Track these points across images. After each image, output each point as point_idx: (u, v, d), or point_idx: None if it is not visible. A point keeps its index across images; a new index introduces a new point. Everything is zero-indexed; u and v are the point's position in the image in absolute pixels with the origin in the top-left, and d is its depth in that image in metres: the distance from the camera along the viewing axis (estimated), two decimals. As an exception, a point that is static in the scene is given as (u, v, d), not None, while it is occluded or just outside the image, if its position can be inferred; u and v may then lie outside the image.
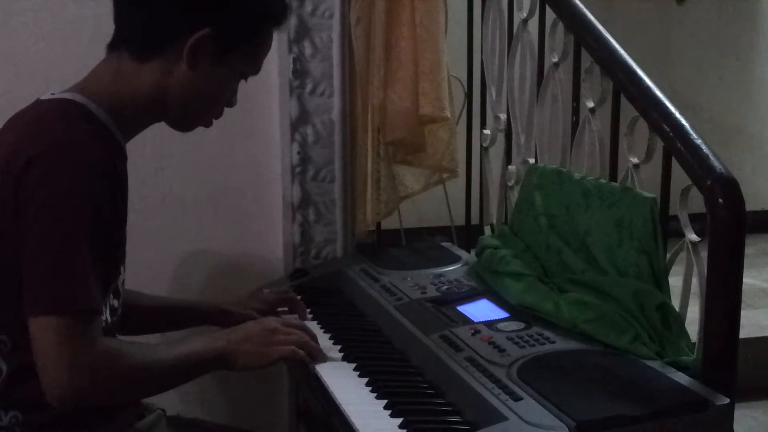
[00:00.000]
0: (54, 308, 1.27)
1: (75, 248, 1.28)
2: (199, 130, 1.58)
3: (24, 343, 1.33)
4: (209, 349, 1.45)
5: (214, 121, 1.55)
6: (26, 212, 1.28)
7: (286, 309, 1.86)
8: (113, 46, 1.46)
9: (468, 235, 2.38)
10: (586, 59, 1.79)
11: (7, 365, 1.36)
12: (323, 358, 1.54)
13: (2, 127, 1.44)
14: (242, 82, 1.53)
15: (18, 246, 1.29)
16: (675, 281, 1.54)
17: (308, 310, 1.85)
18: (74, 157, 1.31)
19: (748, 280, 3.06)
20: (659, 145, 1.55)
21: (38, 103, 1.43)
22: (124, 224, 1.46)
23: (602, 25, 1.76)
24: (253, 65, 1.51)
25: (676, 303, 1.53)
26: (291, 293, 1.92)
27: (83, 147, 1.32)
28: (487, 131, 2.28)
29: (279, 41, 2.08)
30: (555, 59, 1.89)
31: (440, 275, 1.92)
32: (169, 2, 1.41)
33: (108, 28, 1.47)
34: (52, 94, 1.42)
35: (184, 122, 1.53)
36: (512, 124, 2.12)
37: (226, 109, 1.55)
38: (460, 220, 2.44)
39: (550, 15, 1.92)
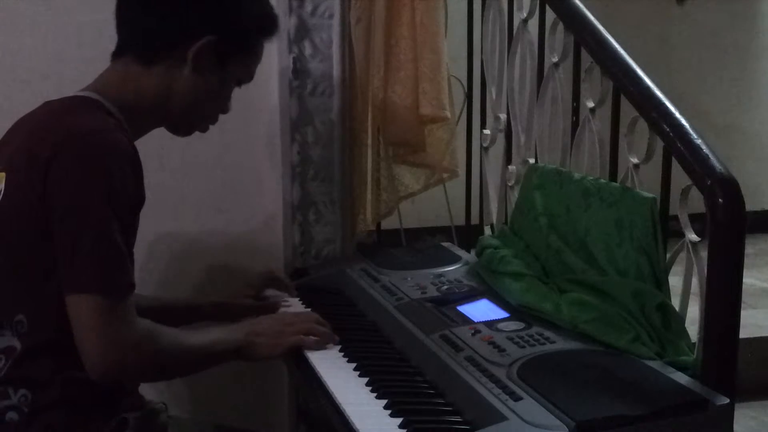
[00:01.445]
0: (97, 287, 1.33)
1: (111, 228, 1.34)
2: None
3: (40, 324, 1.38)
4: (230, 340, 1.54)
5: (210, 127, 1.62)
6: (58, 195, 1.33)
7: (276, 291, 1.94)
8: (118, 53, 1.52)
9: (468, 235, 2.38)
10: (586, 59, 1.79)
11: (22, 344, 1.39)
12: (331, 340, 1.61)
13: (10, 128, 1.49)
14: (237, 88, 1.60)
15: (44, 228, 1.34)
16: (675, 281, 1.54)
17: (308, 311, 1.85)
18: (102, 141, 1.37)
19: (748, 280, 3.07)
20: (659, 145, 1.55)
21: (49, 103, 1.48)
22: (140, 208, 1.49)
23: (602, 25, 1.76)
24: (247, 72, 1.59)
25: (676, 303, 1.53)
26: (275, 273, 1.99)
27: (110, 134, 1.39)
28: (487, 131, 2.28)
29: (279, 41, 2.08)
30: (555, 59, 1.89)
31: (440, 275, 1.92)
32: (176, 10, 1.48)
33: (110, 33, 1.49)
34: (60, 96, 1.48)
35: (183, 126, 1.59)
36: (512, 124, 2.12)
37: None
38: (460, 220, 2.44)
39: (550, 15, 1.92)
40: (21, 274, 1.39)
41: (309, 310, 1.83)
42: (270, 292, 1.96)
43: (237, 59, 1.54)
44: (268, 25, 1.58)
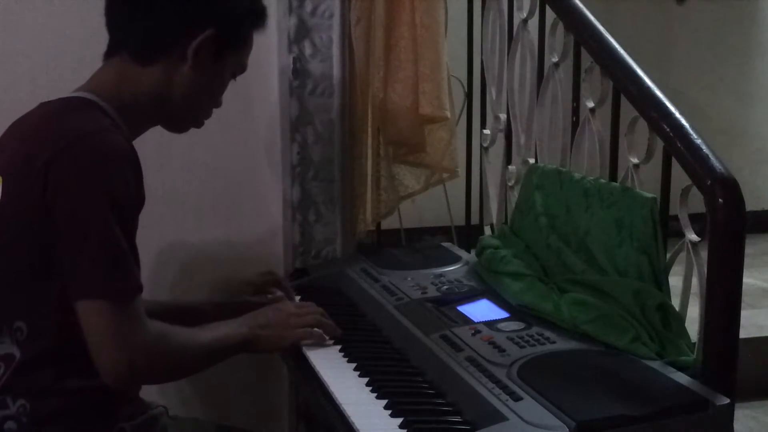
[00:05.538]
0: (106, 292, 1.33)
1: (114, 231, 1.33)
2: (199, 130, 1.59)
3: (40, 331, 1.36)
4: (236, 334, 1.54)
5: (218, 121, 1.60)
6: (60, 201, 1.32)
7: (278, 292, 1.92)
8: (110, 53, 1.50)
9: (468, 235, 2.38)
10: (586, 59, 1.79)
11: (21, 353, 1.38)
12: (338, 333, 1.64)
13: (5, 132, 1.47)
14: (233, 81, 1.58)
15: (44, 234, 1.33)
16: (675, 281, 1.54)
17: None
18: (101, 143, 1.35)
19: (748, 280, 3.06)
20: (659, 145, 1.55)
21: (44, 104, 1.46)
22: (140, 209, 1.48)
23: (602, 25, 1.76)
24: (241, 64, 1.58)
25: (676, 303, 1.52)
26: (276, 275, 1.98)
27: (107, 135, 1.37)
28: (487, 131, 2.28)
29: (279, 41, 2.09)
30: (555, 59, 1.89)
31: (440, 275, 1.92)
32: (173, 7, 1.46)
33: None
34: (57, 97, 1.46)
35: (180, 123, 1.58)
36: (512, 124, 2.12)
37: (227, 109, 1.60)
38: (460, 220, 2.44)
39: (550, 15, 1.92)
40: (20, 280, 1.37)
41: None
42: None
43: (233, 52, 1.52)
44: (259, 15, 1.56)
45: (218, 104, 1.59)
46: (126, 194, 1.36)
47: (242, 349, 1.55)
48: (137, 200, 1.42)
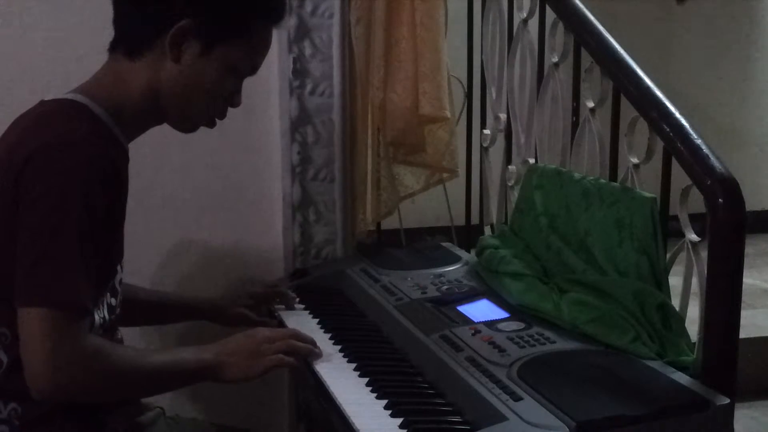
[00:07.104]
0: (40, 300, 1.28)
1: (67, 242, 1.29)
2: (200, 130, 1.58)
3: None
4: (197, 359, 1.45)
5: (217, 121, 1.55)
6: (23, 204, 1.30)
7: (280, 304, 1.90)
8: (112, 49, 1.48)
9: (468, 235, 2.38)
10: (586, 59, 1.79)
11: (8, 357, 1.36)
12: (315, 355, 1.55)
13: (7, 129, 1.46)
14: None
15: (16, 239, 1.30)
16: (675, 281, 1.54)
17: (308, 311, 1.85)
18: (73, 153, 1.32)
19: (748, 280, 3.06)
20: (659, 145, 1.55)
21: (41, 104, 1.45)
22: (122, 223, 1.47)
23: (602, 25, 1.76)
24: (247, 62, 1.50)
25: (676, 303, 1.53)
26: (279, 287, 1.95)
27: (83, 144, 1.33)
28: (487, 131, 2.28)
29: (279, 41, 2.08)
30: (555, 59, 1.89)
31: (440, 275, 1.92)
32: None
33: (109, 30, 1.48)
34: (56, 96, 1.44)
35: (182, 121, 1.53)
36: (512, 124, 2.12)
37: (228, 109, 1.55)
38: (460, 220, 2.44)
39: (550, 15, 1.92)
40: (0, 286, 1.33)
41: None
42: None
43: (227, 46, 1.44)
44: (261, 6, 1.48)
45: (234, 103, 1.53)
46: (91, 206, 1.30)
47: (204, 377, 1.45)
48: (108, 213, 1.35)
